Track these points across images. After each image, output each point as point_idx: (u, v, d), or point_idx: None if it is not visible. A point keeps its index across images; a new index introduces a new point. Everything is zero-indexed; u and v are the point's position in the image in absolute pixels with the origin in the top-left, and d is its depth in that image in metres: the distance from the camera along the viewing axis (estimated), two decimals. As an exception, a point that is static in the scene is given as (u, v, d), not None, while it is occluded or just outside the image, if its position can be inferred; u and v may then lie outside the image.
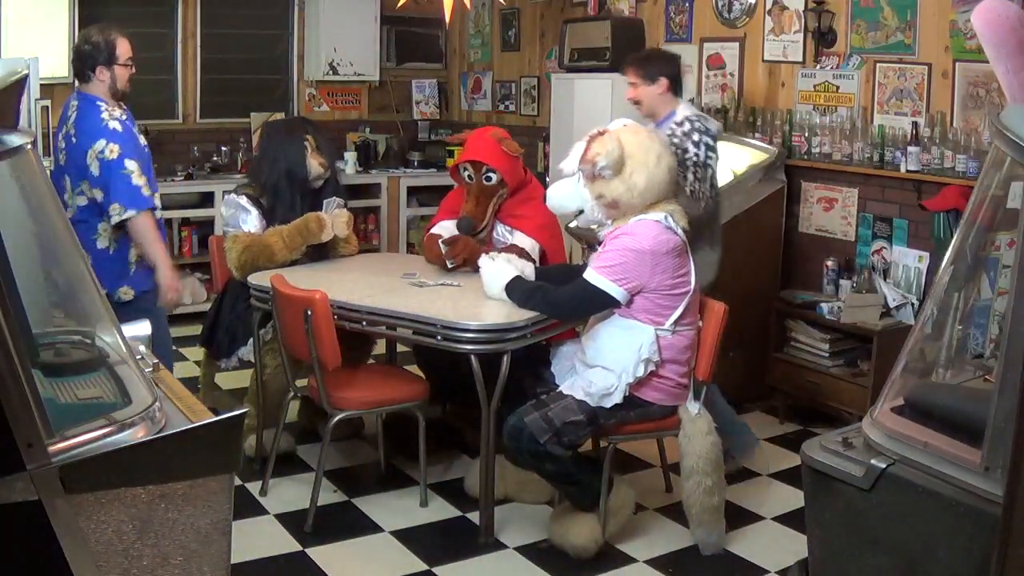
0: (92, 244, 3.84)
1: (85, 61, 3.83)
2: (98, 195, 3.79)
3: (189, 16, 6.74)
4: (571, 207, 3.56)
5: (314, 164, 4.24)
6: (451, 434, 4.40)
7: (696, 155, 3.84)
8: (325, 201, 4.27)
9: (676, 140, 3.81)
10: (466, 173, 4.10)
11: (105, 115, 3.81)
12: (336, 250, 4.40)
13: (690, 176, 3.84)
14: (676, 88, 4.04)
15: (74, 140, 3.83)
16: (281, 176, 4.21)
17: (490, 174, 4.04)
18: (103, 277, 3.73)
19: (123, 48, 3.88)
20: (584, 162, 3.34)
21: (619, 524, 3.56)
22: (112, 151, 3.75)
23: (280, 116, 6.78)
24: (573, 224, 4.47)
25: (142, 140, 3.98)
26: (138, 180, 3.80)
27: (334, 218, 4.23)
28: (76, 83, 3.95)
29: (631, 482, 3.82)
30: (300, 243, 4.16)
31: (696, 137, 3.85)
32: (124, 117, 3.89)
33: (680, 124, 3.89)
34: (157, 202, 3.94)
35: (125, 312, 3.74)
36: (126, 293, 3.93)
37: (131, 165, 3.79)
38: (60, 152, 3.94)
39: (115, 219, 3.79)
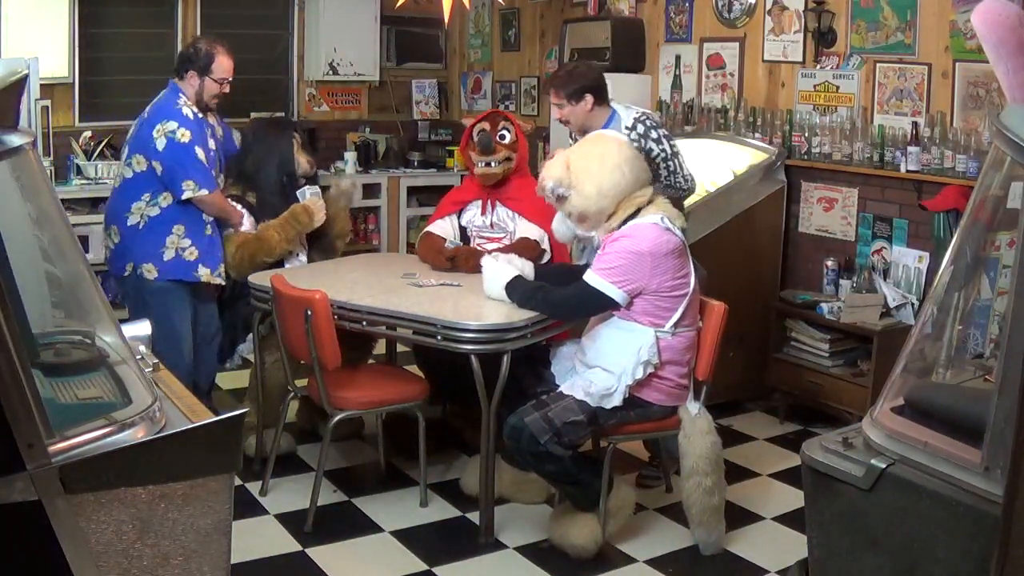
0: (123, 221, 4.11)
1: (183, 62, 4.20)
2: (157, 167, 4.05)
3: (189, 16, 6.73)
4: (569, 234, 3.62)
5: (302, 160, 4.41)
6: (451, 434, 4.40)
7: (662, 151, 3.88)
8: (298, 192, 4.38)
9: (637, 145, 3.80)
10: (480, 135, 4.20)
11: (181, 101, 4.13)
12: (333, 233, 4.53)
13: (663, 172, 3.90)
14: (603, 98, 3.99)
15: (145, 116, 4.16)
16: (273, 171, 4.35)
17: (504, 131, 4.17)
18: (132, 251, 4.08)
19: (221, 64, 4.18)
20: (540, 192, 3.46)
21: (619, 524, 3.56)
22: (184, 135, 4.05)
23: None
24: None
25: (211, 144, 4.23)
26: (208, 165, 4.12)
27: (315, 206, 4.34)
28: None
29: (631, 482, 3.82)
30: (294, 234, 4.27)
31: (654, 135, 3.90)
32: (200, 116, 4.18)
33: (632, 128, 3.89)
34: None
35: (146, 289, 4.10)
36: (149, 271, 4.11)
37: (200, 152, 4.06)
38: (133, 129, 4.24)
39: (187, 194, 4.06)
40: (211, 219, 4.20)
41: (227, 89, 4.24)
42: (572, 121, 3.98)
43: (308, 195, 4.36)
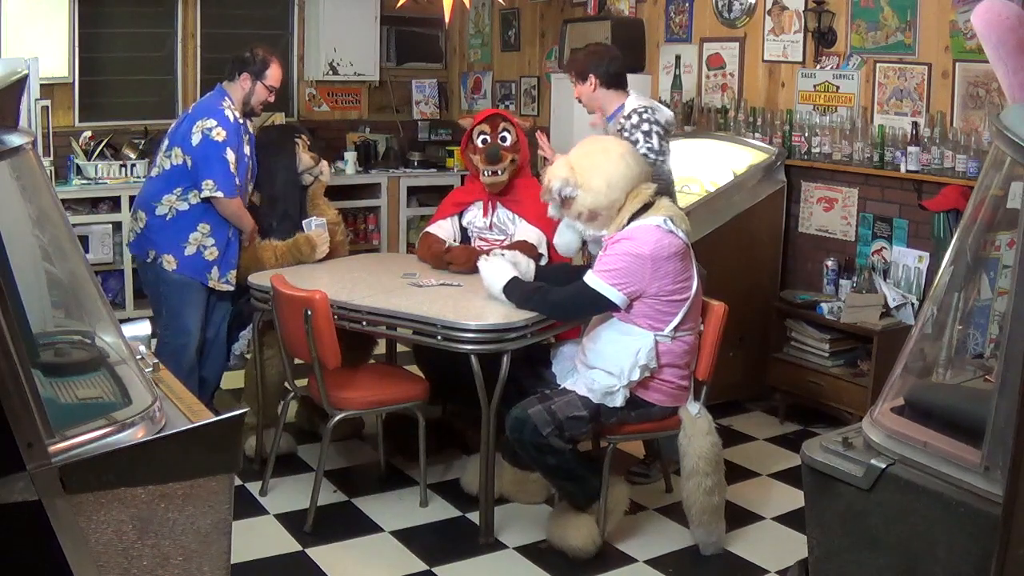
0: (152, 209, 4.18)
1: (237, 64, 4.28)
2: (188, 161, 4.11)
3: (189, 16, 6.73)
4: (576, 242, 3.65)
5: (304, 157, 4.43)
6: (451, 434, 4.40)
7: (648, 147, 3.83)
8: (304, 222, 4.40)
9: (625, 133, 3.82)
10: (481, 138, 4.20)
11: (226, 103, 4.21)
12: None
13: None
14: (612, 82, 4.02)
15: (190, 111, 4.29)
16: (280, 172, 4.40)
17: (505, 133, 4.17)
18: (155, 240, 4.17)
19: (274, 73, 4.29)
20: (546, 195, 3.44)
21: (615, 522, 3.56)
22: (219, 134, 4.11)
23: (279, 116, 6.79)
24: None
25: (247, 151, 4.28)
26: (234, 170, 4.14)
27: (319, 238, 4.35)
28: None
29: (623, 479, 3.82)
30: (291, 261, 4.30)
31: (645, 127, 3.85)
32: (241, 121, 4.24)
33: (628, 117, 3.90)
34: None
35: (163, 279, 4.18)
36: (169, 262, 4.17)
37: (230, 155, 4.10)
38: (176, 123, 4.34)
39: (205, 193, 4.11)
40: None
41: (273, 98, 4.35)
42: (583, 100, 4.10)
43: (314, 226, 4.38)
